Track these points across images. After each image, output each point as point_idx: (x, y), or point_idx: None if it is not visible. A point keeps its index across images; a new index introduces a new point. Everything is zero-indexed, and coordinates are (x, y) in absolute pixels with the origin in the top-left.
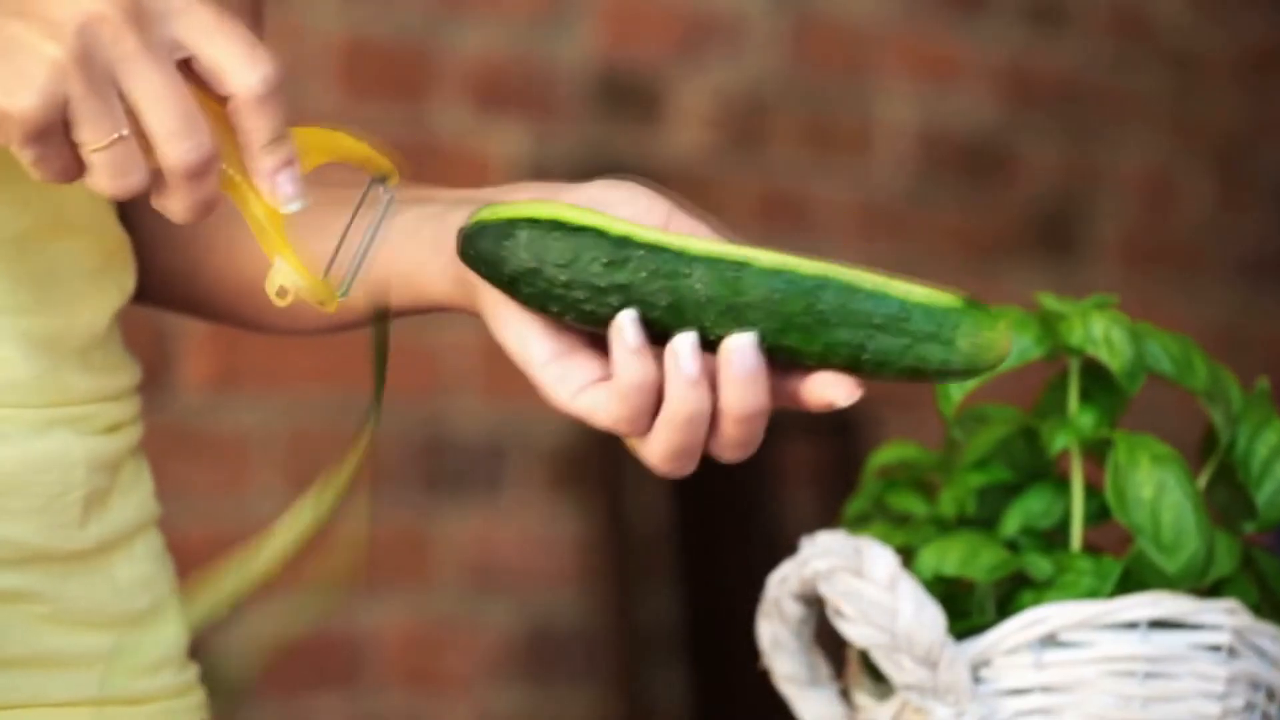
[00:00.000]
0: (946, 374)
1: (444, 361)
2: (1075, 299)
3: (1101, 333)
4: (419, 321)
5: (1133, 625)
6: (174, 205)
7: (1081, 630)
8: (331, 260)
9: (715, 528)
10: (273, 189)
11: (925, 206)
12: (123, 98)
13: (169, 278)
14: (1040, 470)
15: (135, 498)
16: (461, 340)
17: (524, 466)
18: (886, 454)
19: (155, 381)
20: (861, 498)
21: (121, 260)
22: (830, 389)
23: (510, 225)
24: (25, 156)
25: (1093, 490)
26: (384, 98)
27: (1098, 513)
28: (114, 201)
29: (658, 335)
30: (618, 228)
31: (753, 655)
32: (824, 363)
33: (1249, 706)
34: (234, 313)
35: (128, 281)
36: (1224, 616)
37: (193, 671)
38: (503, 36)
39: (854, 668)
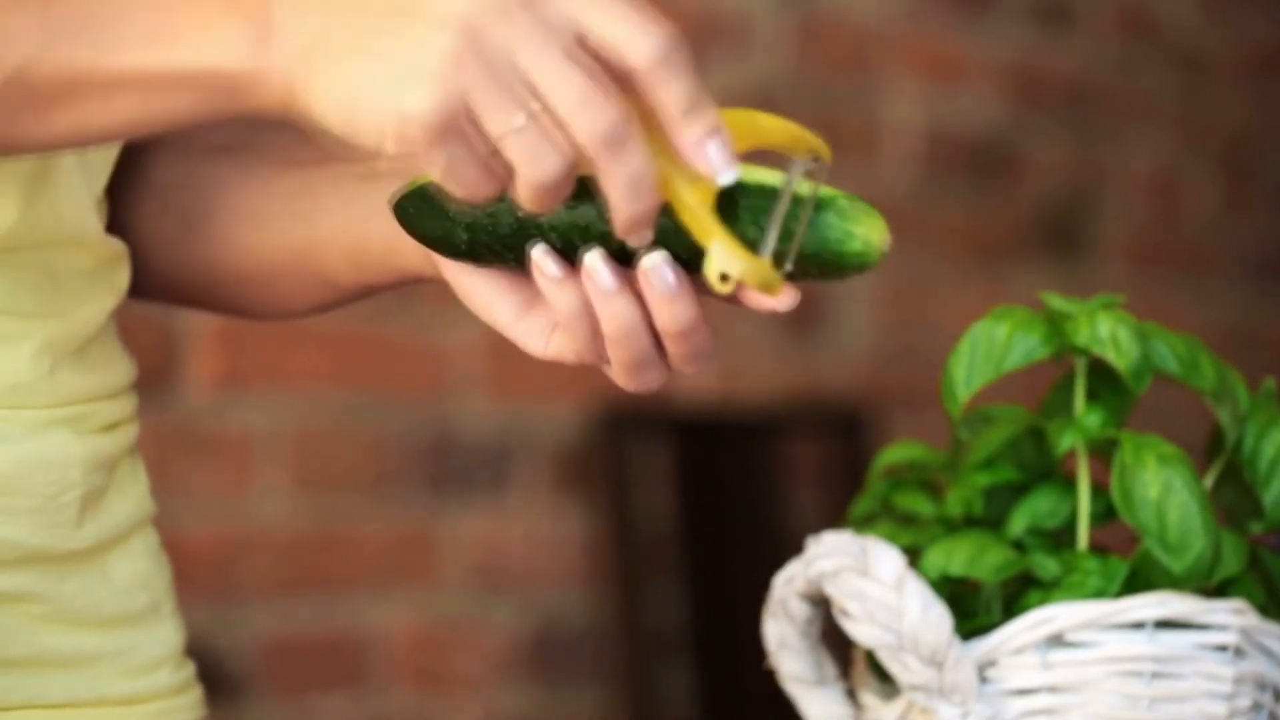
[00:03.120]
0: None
1: (450, 362)
2: (1082, 299)
3: (1108, 332)
4: (424, 322)
5: (1139, 625)
6: (610, 191)
7: (1088, 630)
8: (763, 245)
9: (721, 527)
10: (702, 160)
11: (932, 206)
12: (523, 82)
13: (166, 273)
14: (1047, 470)
15: (132, 496)
16: (467, 340)
17: (530, 466)
18: (893, 454)
19: (161, 381)
20: (868, 498)
21: (116, 261)
22: (766, 299)
23: (422, 187)
24: (436, 164)
25: (1099, 490)
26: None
27: (1104, 513)
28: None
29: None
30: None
31: (759, 655)
32: None
33: (1256, 706)
34: (231, 302)
35: (122, 280)
36: (1231, 617)
37: (190, 669)
38: None
39: (860, 668)
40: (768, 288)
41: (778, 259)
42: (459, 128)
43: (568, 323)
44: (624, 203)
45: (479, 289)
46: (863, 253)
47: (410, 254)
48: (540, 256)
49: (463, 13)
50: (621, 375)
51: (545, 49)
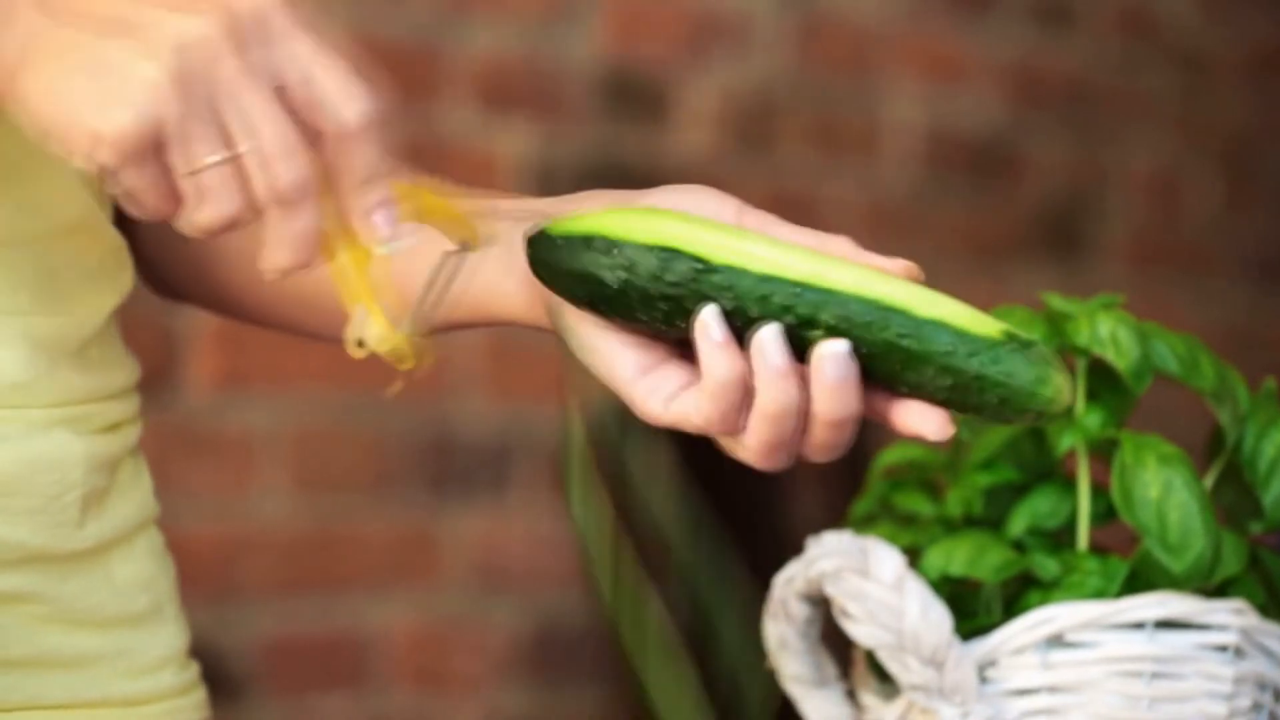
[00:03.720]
0: (1020, 418)
1: (450, 362)
2: (1082, 299)
3: (1108, 333)
4: None
5: (1139, 625)
6: (273, 245)
7: (1088, 630)
8: (409, 320)
9: (722, 528)
10: (368, 228)
11: (932, 206)
12: (219, 124)
13: (172, 273)
14: (1047, 470)
15: (134, 497)
16: (468, 341)
17: (530, 466)
18: (893, 454)
19: (161, 381)
20: (868, 498)
21: (118, 259)
22: (922, 422)
23: (585, 237)
24: (119, 184)
25: (1099, 490)
26: (391, 97)
27: (1104, 513)
28: (113, 205)
29: (742, 337)
30: (697, 241)
31: (760, 655)
32: (915, 391)
33: (1256, 707)
34: (238, 306)
35: (125, 280)
36: (1231, 617)
37: (194, 670)
38: (510, 36)
39: (860, 668)
40: (399, 359)
41: (418, 335)
42: (147, 155)
43: (716, 390)
44: (281, 255)
45: (601, 342)
46: (1051, 400)
47: (513, 299)
48: (711, 318)
49: (177, 45)
50: (756, 453)
51: (247, 96)
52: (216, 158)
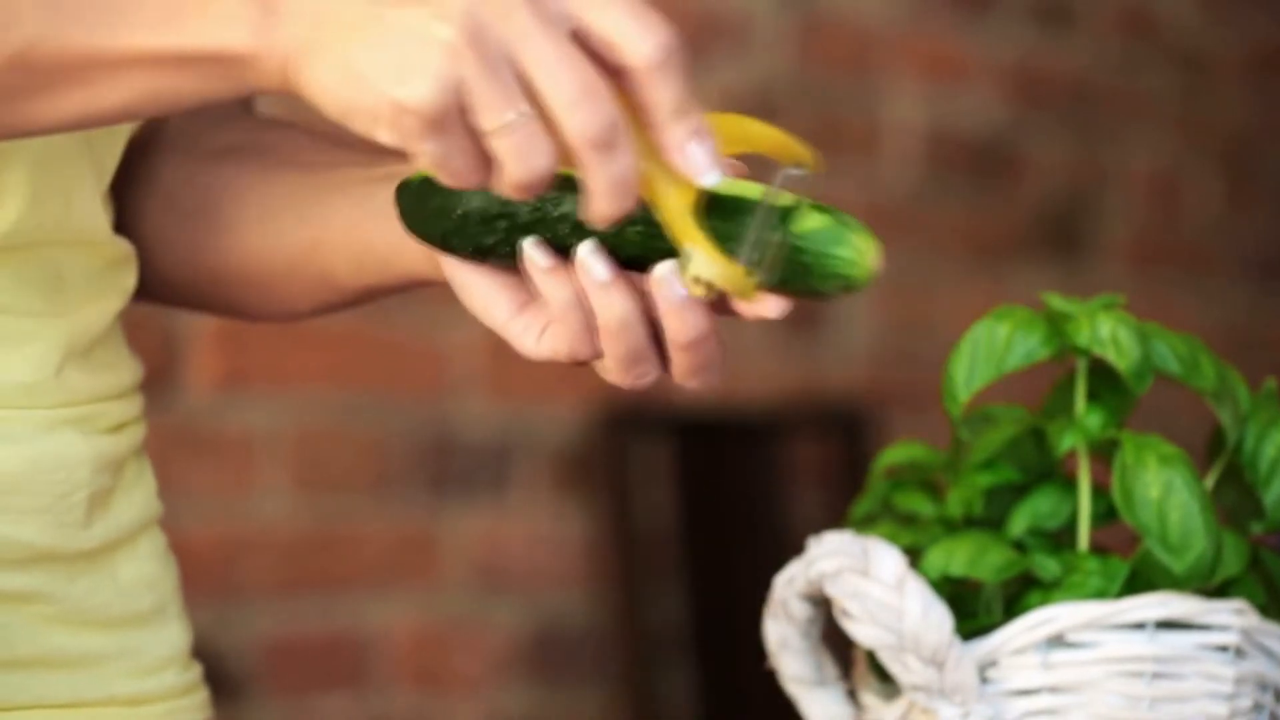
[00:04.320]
0: (827, 291)
1: (450, 362)
2: (1083, 299)
3: (1109, 333)
4: (425, 322)
5: (1140, 626)
6: (593, 188)
7: (1089, 631)
8: (742, 251)
9: (722, 528)
10: (685, 160)
11: (933, 206)
12: (519, 76)
13: (170, 274)
14: (1047, 470)
15: (138, 497)
16: (468, 341)
17: (530, 467)
18: (893, 454)
19: (162, 381)
20: (868, 498)
21: (123, 262)
22: (760, 306)
23: (422, 182)
24: (428, 154)
25: (1100, 491)
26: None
27: (1105, 513)
28: (115, 210)
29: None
30: None
31: (760, 655)
32: None
33: (1257, 707)
34: (234, 304)
35: (129, 281)
36: (1232, 617)
37: (196, 671)
38: None
39: (861, 668)
40: (742, 294)
41: (756, 267)
42: (452, 120)
43: (560, 315)
44: (605, 202)
45: (476, 286)
46: (849, 275)
47: (414, 256)
48: (531, 248)
49: (465, 4)
50: (615, 370)
51: (543, 45)
52: (522, 111)
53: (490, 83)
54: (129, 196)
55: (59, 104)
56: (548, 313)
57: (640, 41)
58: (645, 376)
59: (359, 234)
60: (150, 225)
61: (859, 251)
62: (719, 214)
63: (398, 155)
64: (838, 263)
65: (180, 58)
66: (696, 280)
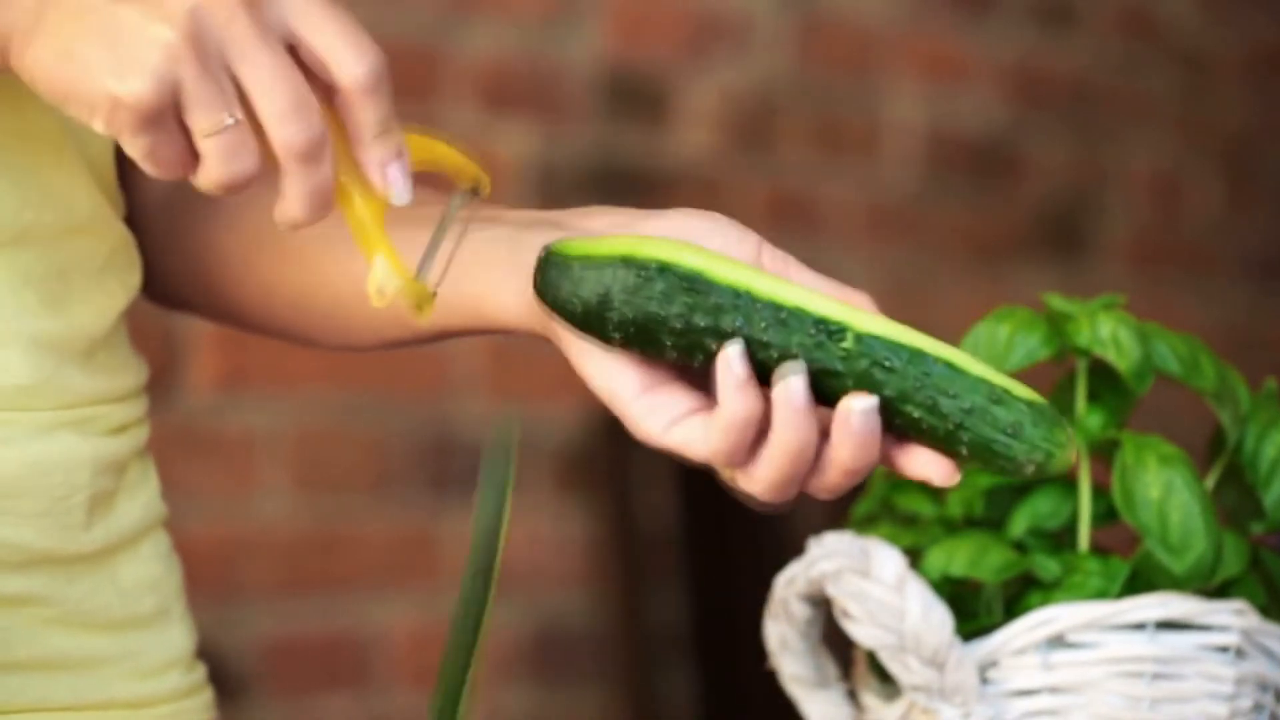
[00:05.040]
0: (1020, 471)
1: (452, 363)
2: (1083, 299)
3: (1109, 333)
4: None
5: (1140, 626)
6: (290, 199)
7: (1089, 631)
8: (421, 266)
9: (723, 529)
10: (383, 180)
11: (933, 207)
12: (234, 83)
13: (174, 278)
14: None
15: (141, 499)
16: (469, 341)
17: (531, 467)
18: None
19: (163, 382)
20: (869, 499)
21: (127, 257)
22: (929, 468)
23: (592, 263)
24: (137, 147)
25: (1100, 491)
26: (392, 97)
27: (1105, 513)
28: (123, 203)
29: (759, 374)
30: (715, 273)
31: (760, 656)
32: (923, 436)
33: (1257, 707)
34: (288, 328)
35: (133, 279)
36: (1232, 617)
37: (201, 672)
38: (511, 37)
39: (861, 669)
40: (420, 306)
41: (428, 280)
42: (165, 117)
43: (730, 426)
44: (299, 210)
45: (602, 360)
46: (1057, 464)
47: (507, 308)
48: (736, 356)
49: (189, 6)
50: (766, 487)
51: (260, 56)
52: (233, 119)
53: (207, 86)
54: (196, 211)
55: None
56: (715, 418)
57: (352, 64)
58: (789, 498)
59: (454, 275)
60: (214, 242)
61: (1065, 454)
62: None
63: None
64: (1045, 465)
65: None
66: (380, 290)
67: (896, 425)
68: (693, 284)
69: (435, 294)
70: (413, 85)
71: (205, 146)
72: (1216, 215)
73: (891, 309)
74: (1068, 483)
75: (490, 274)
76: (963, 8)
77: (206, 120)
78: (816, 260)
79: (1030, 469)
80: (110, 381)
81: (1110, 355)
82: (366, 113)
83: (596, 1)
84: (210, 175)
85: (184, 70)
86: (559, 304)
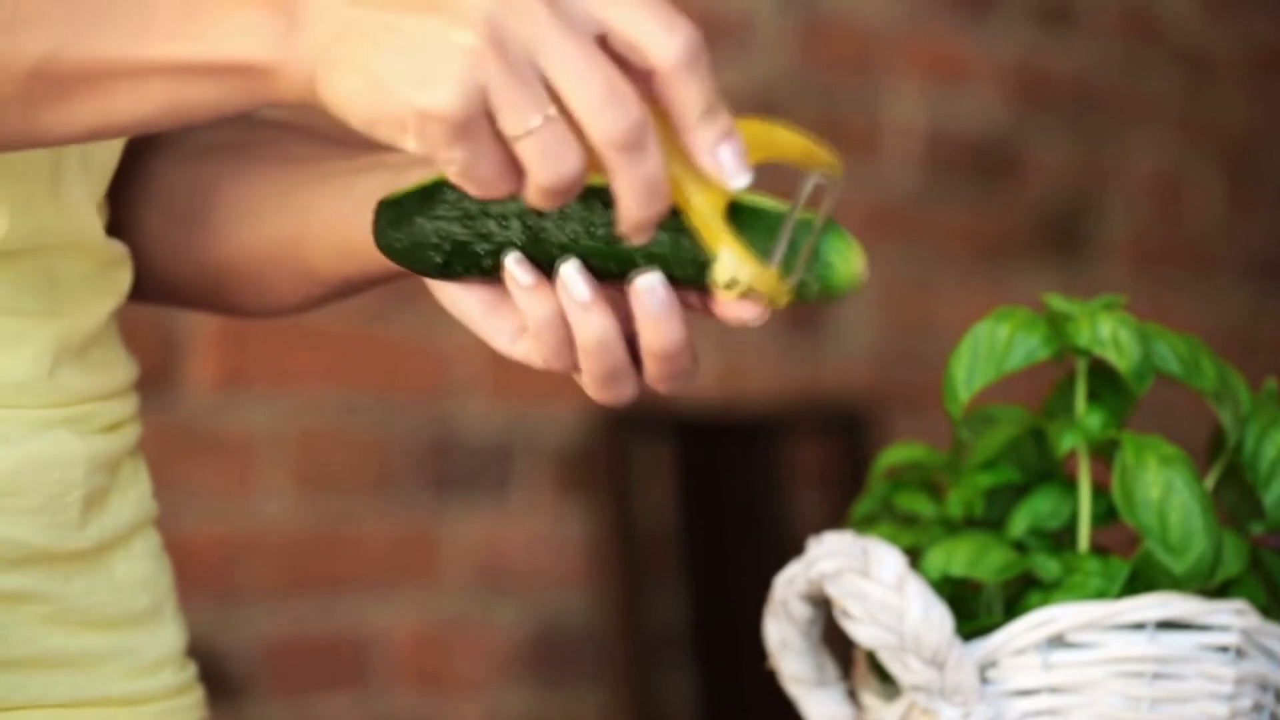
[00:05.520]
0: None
1: (452, 363)
2: (1083, 299)
3: (1109, 333)
4: (426, 322)
5: (1140, 626)
6: (621, 192)
7: (1089, 631)
8: (776, 252)
9: (723, 528)
10: (716, 164)
11: (934, 207)
12: (543, 80)
13: (164, 274)
14: (1048, 471)
15: (134, 496)
16: (469, 342)
17: (532, 467)
18: (894, 455)
19: (163, 381)
20: (869, 498)
21: (117, 263)
22: (739, 310)
23: (398, 200)
24: (454, 163)
25: (1100, 491)
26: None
27: (1105, 513)
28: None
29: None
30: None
31: (760, 656)
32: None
33: (1257, 707)
34: (225, 301)
35: (124, 280)
36: (1232, 617)
37: (192, 670)
38: None
39: (861, 668)
40: (774, 298)
41: (786, 275)
42: (478, 125)
43: (537, 331)
44: (635, 205)
45: (450, 286)
46: (835, 284)
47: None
48: (513, 265)
49: (486, 9)
50: (592, 386)
51: (566, 47)
52: (548, 114)
53: (514, 86)
54: (123, 198)
55: (76, 113)
56: (524, 324)
57: (665, 41)
58: (622, 394)
59: (340, 224)
60: (143, 225)
61: (846, 260)
62: (742, 224)
63: (384, 149)
64: (829, 271)
65: (202, 67)
66: (731, 283)
67: (690, 277)
68: (478, 214)
69: (791, 286)
70: None
71: (523, 150)
72: (1217, 215)
73: (892, 309)
74: (1068, 483)
75: (366, 224)
76: (963, 8)
77: (519, 121)
78: None
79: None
80: (104, 378)
81: (1110, 355)
82: (688, 91)
83: None
84: (535, 180)
85: (489, 73)
86: (390, 251)
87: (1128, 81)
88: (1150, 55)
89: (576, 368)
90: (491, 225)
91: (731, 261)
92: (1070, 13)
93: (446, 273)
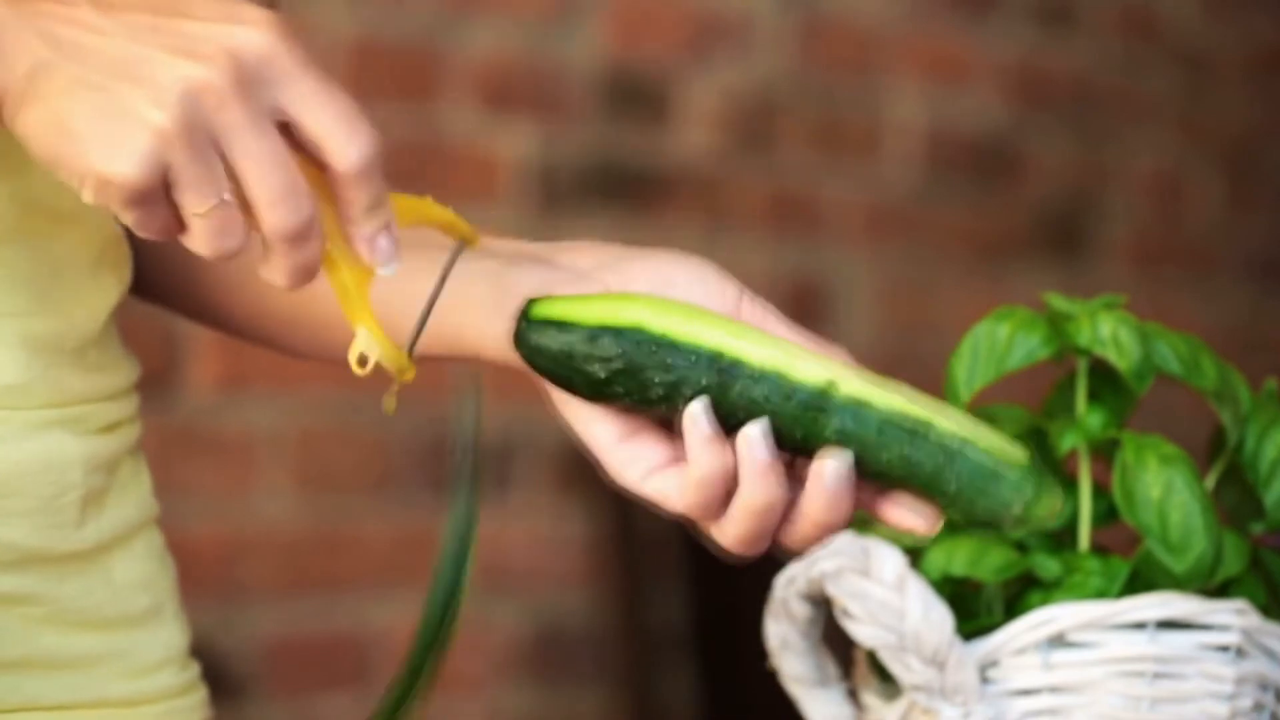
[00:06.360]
0: (1003, 527)
1: (452, 363)
2: (1084, 299)
3: (1109, 333)
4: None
5: (1141, 626)
6: (274, 270)
7: (1089, 631)
8: (418, 329)
9: None
10: (371, 252)
11: (934, 207)
12: (225, 163)
13: (166, 279)
14: (1048, 470)
15: (133, 497)
16: None
17: (532, 467)
18: None
19: (164, 382)
20: None
21: (119, 251)
22: (912, 517)
23: (568, 327)
24: (125, 218)
25: (1101, 490)
26: (392, 97)
27: (1106, 513)
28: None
29: (729, 426)
30: (693, 338)
31: (761, 655)
32: (903, 483)
33: (1257, 707)
34: (272, 339)
35: (125, 274)
36: (1232, 617)
37: (194, 670)
38: (511, 37)
39: (862, 668)
40: (401, 373)
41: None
42: (154, 197)
43: (701, 482)
44: (283, 279)
45: (582, 407)
46: (1042, 520)
47: (490, 345)
48: (701, 411)
49: (183, 91)
50: (734, 541)
51: (251, 140)
52: (224, 199)
53: (197, 169)
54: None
55: None
56: (686, 473)
57: (346, 148)
58: (758, 552)
59: (442, 309)
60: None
61: (1050, 512)
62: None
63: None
64: (1029, 520)
65: None
66: (362, 359)
67: (873, 473)
68: (663, 345)
69: (414, 364)
70: (413, 85)
71: (194, 224)
72: (1217, 215)
73: (892, 309)
74: (1068, 482)
75: (473, 311)
76: (963, 8)
77: (196, 201)
78: (817, 260)
79: (1009, 522)
80: (102, 379)
81: (1111, 355)
82: (359, 194)
83: (597, 1)
84: (198, 247)
85: (174, 154)
86: (536, 362)
87: (1128, 81)
88: (1150, 55)
89: (717, 519)
90: (676, 359)
91: (365, 339)
92: (1070, 13)
93: (602, 393)
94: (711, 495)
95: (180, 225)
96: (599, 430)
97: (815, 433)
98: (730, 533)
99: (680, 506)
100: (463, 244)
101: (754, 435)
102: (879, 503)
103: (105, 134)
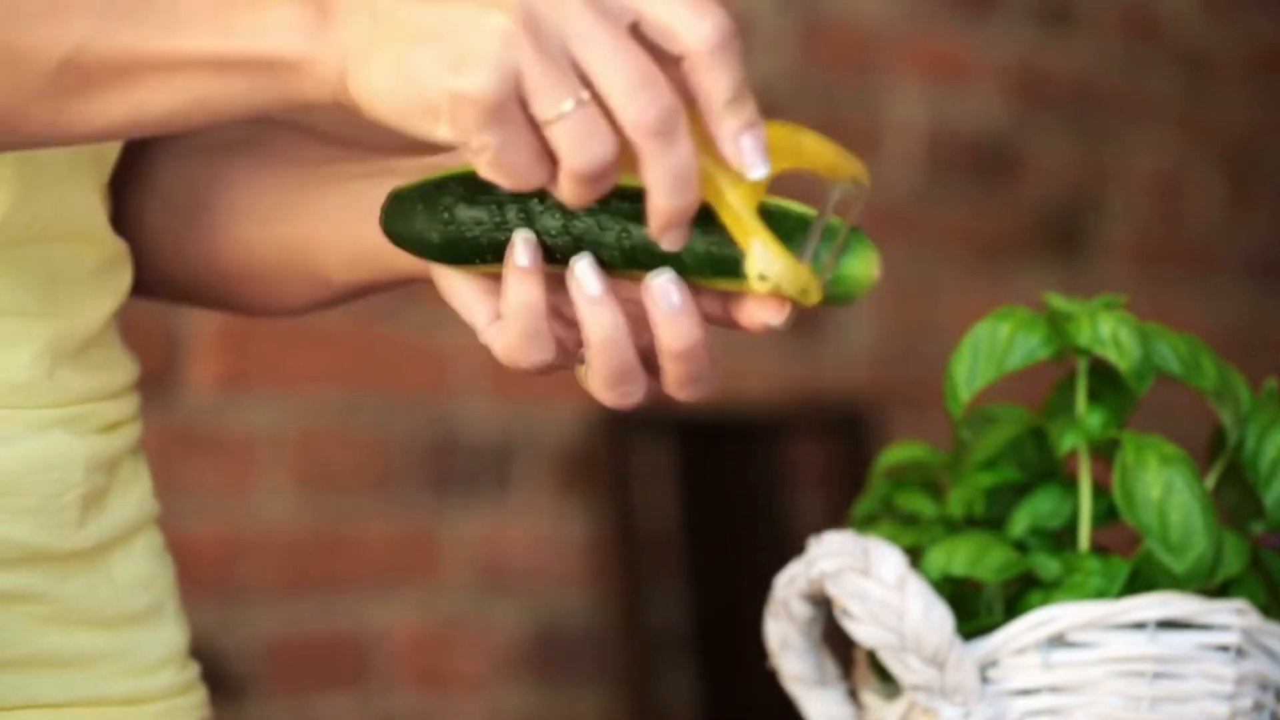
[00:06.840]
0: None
1: (453, 362)
2: (1084, 299)
3: (1109, 333)
4: (427, 322)
5: (1141, 626)
6: (651, 181)
7: (1089, 630)
8: (806, 251)
9: (723, 528)
10: (736, 151)
11: (934, 206)
12: (576, 66)
13: (167, 269)
14: (1048, 470)
15: (134, 496)
16: (470, 341)
17: (532, 467)
18: (894, 454)
19: (164, 382)
20: (869, 498)
21: (119, 260)
22: (761, 312)
23: (408, 191)
24: (486, 149)
25: (1101, 490)
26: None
27: (1106, 513)
28: (113, 207)
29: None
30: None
31: (761, 655)
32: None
33: (1257, 707)
34: (229, 299)
35: (125, 281)
36: (1232, 617)
37: (194, 670)
38: None
39: (862, 668)
40: (804, 293)
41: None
42: (511, 109)
43: (513, 312)
44: (666, 196)
45: (459, 290)
46: (854, 287)
47: (398, 254)
48: (519, 242)
49: None
50: (599, 386)
51: (599, 33)
52: (581, 99)
53: (548, 70)
54: (126, 193)
55: (104, 108)
56: (503, 309)
57: (696, 25)
58: (630, 396)
59: (351, 230)
60: (147, 221)
61: (865, 263)
62: (768, 226)
63: (395, 154)
64: (846, 278)
65: (231, 61)
66: (762, 277)
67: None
68: (485, 186)
69: (824, 282)
70: None
71: (555, 135)
72: (1217, 215)
73: (892, 309)
74: (1068, 482)
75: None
76: (963, 8)
77: (552, 105)
78: None
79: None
80: (103, 379)
81: (1111, 355)
82: (716, 76)
83: None
84: (568, 167)
85: (522, 56)
86: (395, 238)
87: (1128, 81)
88: (1150, 55)
89: (580, 363)
90: (511, 214)
91: (764, 255)
92: (1070, 13)
93: (457, 247)
94: (526, 329)
95: (544, 156)
96: (477, 311)
97: (646, 262)
98: (593, 378)
99: (500, 351)
100: (855, 182)
101: (580, 268)
102: (729, 314)
103: (449, 53)
